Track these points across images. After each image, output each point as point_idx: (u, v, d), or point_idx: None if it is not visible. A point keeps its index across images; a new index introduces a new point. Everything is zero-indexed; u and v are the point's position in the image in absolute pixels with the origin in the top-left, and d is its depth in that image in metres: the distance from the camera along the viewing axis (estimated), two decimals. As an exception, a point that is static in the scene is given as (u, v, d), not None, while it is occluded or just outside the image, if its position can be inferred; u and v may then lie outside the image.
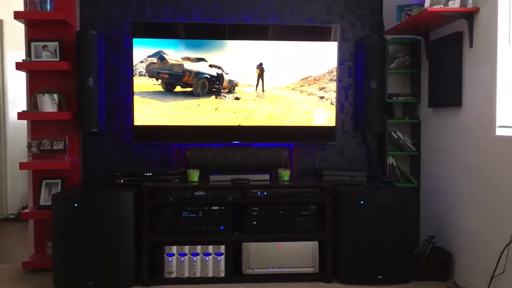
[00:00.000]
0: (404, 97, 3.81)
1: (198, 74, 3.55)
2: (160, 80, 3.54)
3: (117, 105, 3.72)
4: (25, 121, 3.70)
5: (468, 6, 3.00)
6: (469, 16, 3.02)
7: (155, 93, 3.54)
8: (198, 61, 3.55)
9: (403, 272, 3.27)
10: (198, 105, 3.57)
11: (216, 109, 3.58)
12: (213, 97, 3.59)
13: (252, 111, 3.61)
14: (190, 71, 3.54)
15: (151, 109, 3.53)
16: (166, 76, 3.54)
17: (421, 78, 3.75)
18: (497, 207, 2.79)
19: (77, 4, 3.67)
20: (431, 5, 3.14)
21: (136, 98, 3.52)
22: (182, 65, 3.54)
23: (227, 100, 3.59)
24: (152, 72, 3.53)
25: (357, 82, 3.82)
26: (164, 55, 3.52)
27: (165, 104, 3.54)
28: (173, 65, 3.54)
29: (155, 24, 3.63)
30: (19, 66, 3.49)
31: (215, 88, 3.58)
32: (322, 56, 3.63)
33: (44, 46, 3.54)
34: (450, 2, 3.08)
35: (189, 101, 3.56)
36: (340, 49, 3.70)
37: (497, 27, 2.78)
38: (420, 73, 3.76)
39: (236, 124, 3.58)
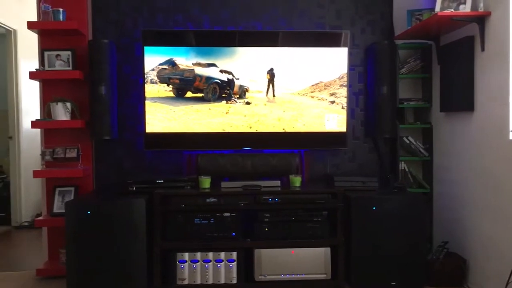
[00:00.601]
0: (416, 102, 3.79)
1: (208, 79, 3.57)
2: (171, 86, 3.56)
3: (129, 113, 3.75)
4: (38, 130, 3.74)
5: (479, 10, 2.99)
6: (481, 20, 3.00)
7: (166, 99, 3.56)
8: (208, 67, 3.57)
9: (416, 278, 3.24)
10: (209, 109, 3.59)
11: (227, 112, 3.60)
12: (223, 102, 3.60)
13: (263, 115, 3.61)
14: (201, 76, 3.56)
15: (162, 113, 3.55)
16: (177, 81, 3.56)
17: (432, 83, 3.74)
18: (511, 212, 2.75)
19: (89, 13, 3.72)
20: (441, 9, 3.13)
21: (147, 103, 3.54)
22: (193, 70, 3.56)
23: (237, 105, 3.60)
24: (163, 78, 3.55)
25: (368, 87, 3.81)
26: (175, 61, 3.55)
27: (176, 108, 3.56)
28: (184, 70, 3.56)
29: (165, 32, 3.66)
30: (32, 75, 3.54)
31: (225, 93, 3.59)
32: (333, 62, 3.63)
33: (57, 55, 3.59)
34: (461, 6, 3.07)
35: (200, 105, 3.58)
36: (350, 54, 3.69)
37: (509, 31, 2.77)
38: (431, 77, 3.75)
39: (247, 126, 3.58)
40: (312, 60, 3.62)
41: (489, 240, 3.00)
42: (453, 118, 3.46)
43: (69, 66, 3.58)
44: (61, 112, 3.53)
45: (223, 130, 3.60)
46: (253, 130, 3.61)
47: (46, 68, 3.57)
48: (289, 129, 3.64)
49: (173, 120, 3.56)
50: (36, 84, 3.77)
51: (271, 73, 3.60)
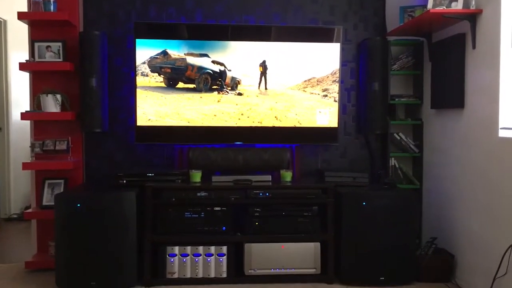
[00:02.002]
0: (407, 98, 3.81)
1: (200, 69, 3.55)
2: (162, 76, 3.54)
3: (120, 105, 3.73)
4: (28, 122, 3.71)
5: (471, 8, 3.00)
6: (472, 17, 3.02)
7: (157, 88, 3.54)
8: (201, 57, 3.54)
9: (405, 273, 3.27)
10: (201, 97, 3.57)
11: (218, 101, 3.58)
12: (215, 93, 3.58)
13: (255, 104, 3.60)
14: (192, 66, 3.54)
15: (153, 99, 3.53)
16: (169, 70, 3.53)
17: (423, 80, 3.75)
18: (499, 209, 2.78)
19: (81, 4, 3.68)
20: (434, 6, 3.14)
21: (138, 91, 3.52)
22: (185, 59, 3.53)
23: (229, 95, 3.59)
24: (154, 67, 3.52)
25: (360, 83, 3.82)
26: (167, 51, 3.52)
27: (167, 95, 3.54)
28: (175, 59, 3.53)
29: (158, 25, 3.64)
30: (22, 66, 3.50)
31: (217, 84, 3.57)
32: (325, 58, 3.63)
33: (47, 47, 3.55)
34: (453, 4, 3.08)
35: (192, 94, 3.56)
36: (343, 50, 3.70)
37: (500, 29, 2.78)
38: (422, 74, 3.76)
39: (239, 113, 3.56)
40: (304, 56, 3.62)
41: (477, 236, 3.03)
42: (444, 115, 3.48)
43: (59, 58, 3.54)
44: (51, 104, 3.50)
45: (215, 115, 3.57)
46: (245, 116, 3.59)
47: (36, 59, 3.54)
48: (282, 118, 3.63)
49: (164, 105, 3.53)
50: (26, 76, 3.73)
51: (263, 65, 3.59)
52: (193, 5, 3.77)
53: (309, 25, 3.80)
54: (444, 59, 3.39)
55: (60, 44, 3.55)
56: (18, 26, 3.84)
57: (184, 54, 3.54)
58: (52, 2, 3.45)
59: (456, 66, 3.22)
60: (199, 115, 3.57)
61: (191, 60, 3.53)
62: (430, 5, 3.17)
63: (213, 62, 3.55)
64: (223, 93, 3.58)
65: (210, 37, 3.57)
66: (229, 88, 3.59)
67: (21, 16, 3.44)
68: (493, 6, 2.84)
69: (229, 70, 3.57)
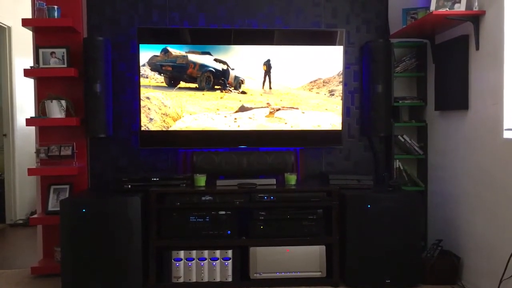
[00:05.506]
0: (410, 100, 3.80)
1: (202, 66, 3.52)
2: (163, 75, 3.53)
3: (124, 110, 3.74)
4: (33, 127, 3.73)
5: (474, 9, 3.00)
6: (475, 19, 3.01)
7: (158, 87, 3.53)
8: (203, 54, 3.53)
9: (411, 276, 3.26)
10: (203, 94, 3.56)
11: (221, 98, 3.57)
12: (218, 92, 3.57)
13: (259, 101, 3.59)
14: (194, 63, 3.50)
15: (155, 92, 3.51)
16: (170, 68, 3.51)
17: (427, 81, 3.75)
18: (505, 210, 2.77)
19: (84, 11, 3.70)
20: (436, 8, 3.14)
21: (141, 89, 3.52)
22: (186, 56, 3.51)
23: (232, 94, 3.58)
24: (155, 65, 3.51)
25: (363, 86, 3.82)
26: (168, 49, 3.51)
27: (169, 92, 3.54)
28: (177, 57, 3.50)
29: (161, 30, 3.65)
30: (27, 73, 3.52)
31: (220, 83, 3.55)
32: (328, 61, 3.62)
33: (52, 53, 3.57)
34: (456, 5, 3.08)
35: (194, 92, 3.55)
36: (346, 53, 3.70)
37: (503, 30, 2.78)
38: (426, 76, 3.76)
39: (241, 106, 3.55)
40: (308, 59, 3.61)
41: (483, 238, 3.02)
42: (448, 117, 3.48)
43: (64, 64, 3.56)
44: (56, 110, 3.52)
45: (218, 109, 3.56)
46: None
47: (41, 65, 3.55)
48: (285, 129, 3.63)
49: (165, 99, 3.51)
50: (30, 82, 3.76)
51: (267, 64, 3.58)
52: (196, 10, 3.78)
53: (312, 28, 3.80)
54: (448, 61, 3.39)
55: (64, 50, 3.56)
56: (23, 32, 3.86)
57: (186, 52, 3.53)
58: (56, 9, 3.47)
59: (460, 68, 3.21)
60: (201, 109, 3.56)
61: (192, 57, 3.50)
62: (433, 7, 3.17)
63: (216, 60, 3.53)
64: (226, 92, 3.57)
65: (213, 41, 3.57)
66: (232, 88, 3.58)
67: (25, 22, 3.46)
68: (496, 7, 2.83)
69: (232, 69, 3.56)
